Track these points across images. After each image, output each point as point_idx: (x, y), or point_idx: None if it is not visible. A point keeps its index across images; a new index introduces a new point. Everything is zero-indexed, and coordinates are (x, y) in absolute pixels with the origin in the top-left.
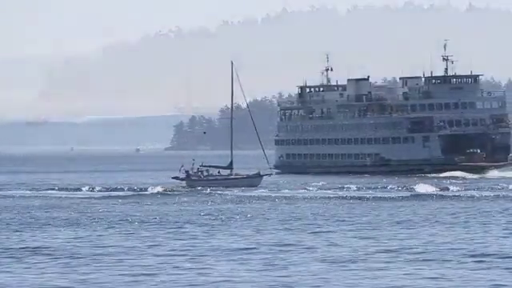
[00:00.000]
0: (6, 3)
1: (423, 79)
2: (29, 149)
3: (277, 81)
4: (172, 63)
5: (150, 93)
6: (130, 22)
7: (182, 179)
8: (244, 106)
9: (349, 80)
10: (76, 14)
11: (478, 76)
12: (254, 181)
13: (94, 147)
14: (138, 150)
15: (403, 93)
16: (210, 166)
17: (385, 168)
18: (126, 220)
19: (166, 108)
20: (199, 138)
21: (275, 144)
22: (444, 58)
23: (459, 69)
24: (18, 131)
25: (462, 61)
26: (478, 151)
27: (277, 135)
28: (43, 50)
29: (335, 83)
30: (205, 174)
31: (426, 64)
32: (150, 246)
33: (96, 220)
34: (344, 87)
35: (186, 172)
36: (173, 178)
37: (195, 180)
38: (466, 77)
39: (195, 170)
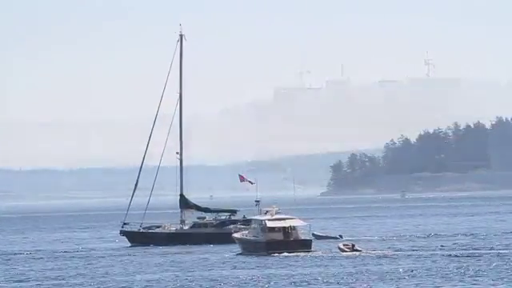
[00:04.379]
0: None
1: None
2: None
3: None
4: None
5: None
6: None
7: None
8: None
9: (329, 81)
10: None
11: (458, 80)
12: None
13: None
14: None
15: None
16: None
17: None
18: None
19: None
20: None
21: None
22: (426, 62)
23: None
24: None
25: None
26: None
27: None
28: None
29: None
30: None
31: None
32: None
33: None
34: (317, 90)
35: None
36: None
37: None
38: (448, 80)
39: None
